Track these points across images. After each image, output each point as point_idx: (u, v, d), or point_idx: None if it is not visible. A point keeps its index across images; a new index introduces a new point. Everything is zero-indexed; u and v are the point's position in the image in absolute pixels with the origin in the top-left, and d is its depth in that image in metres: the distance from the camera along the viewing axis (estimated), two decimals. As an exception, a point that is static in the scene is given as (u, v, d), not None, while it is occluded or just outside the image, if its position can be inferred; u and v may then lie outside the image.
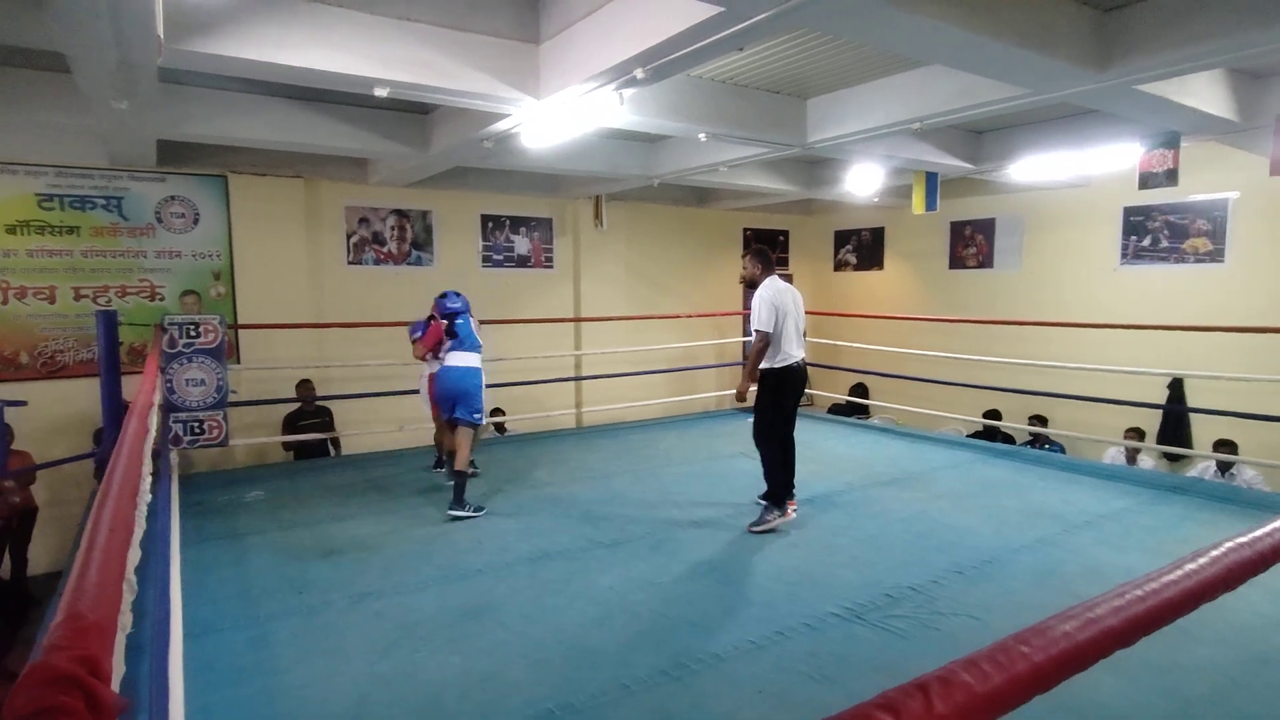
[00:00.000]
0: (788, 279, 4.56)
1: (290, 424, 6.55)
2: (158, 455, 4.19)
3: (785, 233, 10.72)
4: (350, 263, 7.43)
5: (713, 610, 3.07)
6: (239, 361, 6.55)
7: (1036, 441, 7.36)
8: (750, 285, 4.32)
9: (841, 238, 10.52)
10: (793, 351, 4.20)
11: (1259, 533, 1.03)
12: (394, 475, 5.31)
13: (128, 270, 6.34)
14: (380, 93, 3.95)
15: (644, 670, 2.58)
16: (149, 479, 2.11)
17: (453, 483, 4.54)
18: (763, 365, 4.18)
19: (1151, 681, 2.47)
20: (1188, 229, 7.01)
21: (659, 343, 8.36)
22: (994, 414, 7.48)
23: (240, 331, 6.58)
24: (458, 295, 4.75)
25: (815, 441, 6.40)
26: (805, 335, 4.43)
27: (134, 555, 1.41)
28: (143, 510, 1.77)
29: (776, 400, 4.23)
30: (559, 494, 4.81)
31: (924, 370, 7.85)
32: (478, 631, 2.89)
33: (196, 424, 4.93)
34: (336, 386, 7.02)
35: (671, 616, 3.02)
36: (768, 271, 4.28)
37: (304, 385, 6.60)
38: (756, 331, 4.13)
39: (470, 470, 4.59)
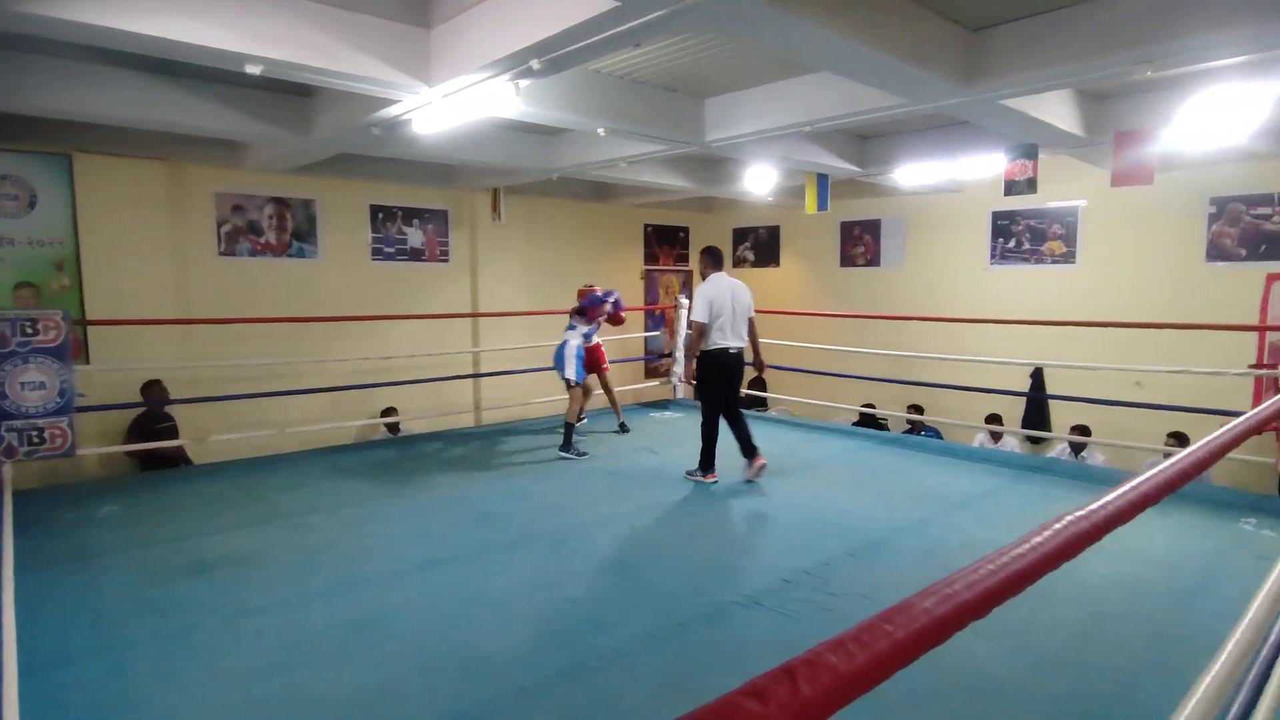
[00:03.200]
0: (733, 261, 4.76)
1: (140, 430, 5.93)
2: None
3: (685, 229, 10.87)
4: (222, 254, 6.87)
5: (613, 607, 3.06)
6: (88, 362, 5.92)
7: (915, 428, 7.87)
8: (704, 279, 4.89)
9: (740, 235, 10.79)
10: (721, 340, 4.74)
11: (1093, 506, 1.13)
12: (274, 482, 4.95)
13: (-50, 259, 5.59)
14: (253, 70, 3.66)
15: (543, 672, 2.53)
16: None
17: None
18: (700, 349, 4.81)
19: (1013, 641, 2.72)
20: (1045, 233, 7.67)
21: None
22: (869, 404, 8.02)
23: (90, 328, 5.94)
24: (608, 293, 6.10)
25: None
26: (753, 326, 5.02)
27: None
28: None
29: (708, 380, 4.82)
30: (454, 495, 4.65)
31: (818, 363, 8.18)
32: (368, 645, 2.74)
33: (35, 432, 4.39)
34: (205, 388, 6.49)
35: (571, 615, 2.97)
36: (714, 268, 4.89)
37: (153, 386, 5.98)
38: (692, 321, 4.76)
39: (578, 419, 5.94)
